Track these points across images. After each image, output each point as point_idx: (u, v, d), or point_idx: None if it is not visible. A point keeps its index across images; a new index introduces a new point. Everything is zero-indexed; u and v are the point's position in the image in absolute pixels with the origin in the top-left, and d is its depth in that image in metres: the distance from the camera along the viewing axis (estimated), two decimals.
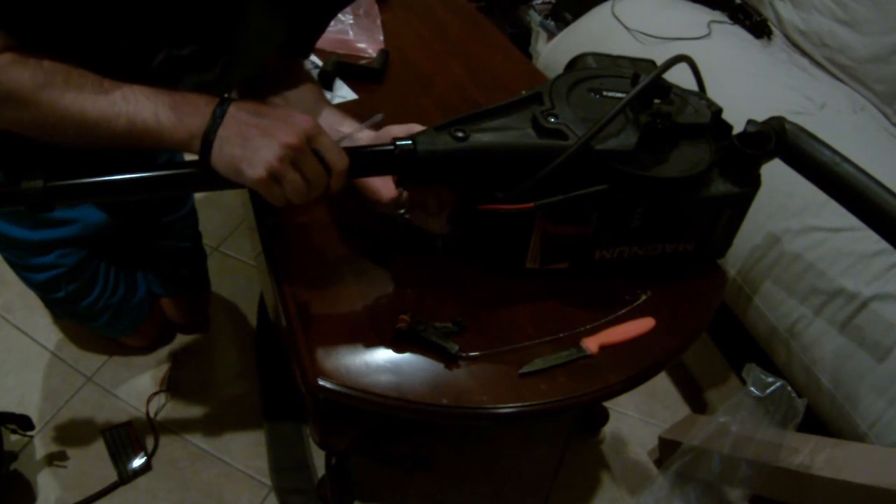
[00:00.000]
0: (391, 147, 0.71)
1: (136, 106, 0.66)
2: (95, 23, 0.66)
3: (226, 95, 0.70)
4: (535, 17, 2.18)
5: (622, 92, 0.78)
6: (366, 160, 0.71)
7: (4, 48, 0.63)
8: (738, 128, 0.83)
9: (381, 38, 1.29)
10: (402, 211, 0.81)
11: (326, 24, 0.95)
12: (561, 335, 0.78)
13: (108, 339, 1.36)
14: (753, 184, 0.82)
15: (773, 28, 1.72)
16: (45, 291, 1.17)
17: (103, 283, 1.19)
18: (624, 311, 0.81)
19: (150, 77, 0.70)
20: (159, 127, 0.66)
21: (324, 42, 1.23)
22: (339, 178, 0.69)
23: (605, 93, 0.79)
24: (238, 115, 0.66)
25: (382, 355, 0.74)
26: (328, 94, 1.15)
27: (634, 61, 0.87)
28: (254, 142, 0.65)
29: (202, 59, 0.78)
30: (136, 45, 0.71)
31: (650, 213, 0.77)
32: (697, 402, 1.41)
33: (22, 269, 1.14)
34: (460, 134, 0.71)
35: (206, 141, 0.65)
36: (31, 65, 0.64)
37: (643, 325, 0.80)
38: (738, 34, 1.68)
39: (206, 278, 1.41)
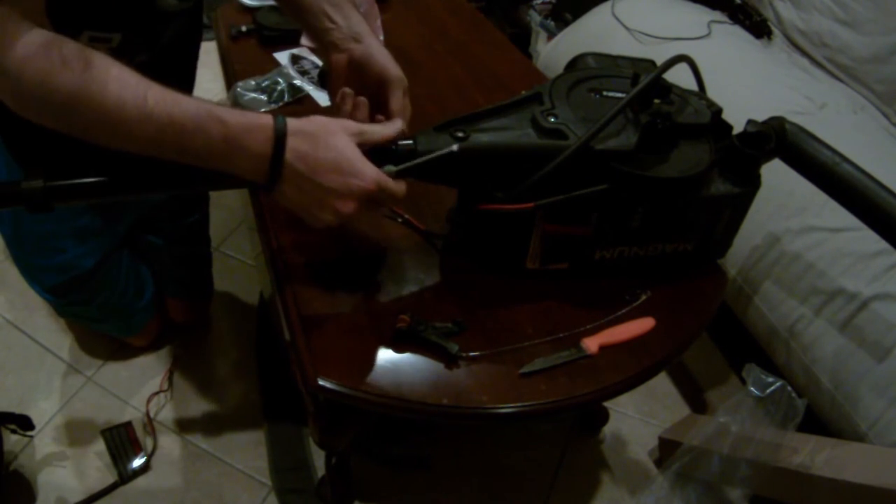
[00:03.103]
0: (392, 147, 0.71)
1: (183, 138, 0.62)
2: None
3: (278, 116, 0.66)
4: (535, 17, 2.18)
5: (622, 92, 0.78)
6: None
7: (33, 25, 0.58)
8: (738, 128, 0.83)
9: (382, 37, 1.29)
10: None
11: None
12: (561, 335, 0.78)
13: (109, 339, 1.36)
14: (753, 184, 0.82)
15: (773, 28, 1.72)
16: (55, 294, 1.17)
17: (112, 286, 1.20)
18: (624, 311, 0.81)
19: None
20: (208, 165, 0.65)
21: None
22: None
23: (605, 93, 0.79)
24: (297, 171, 0.65)
25: (382, 355, 0.74)
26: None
27: (634, 61, 0.87)
28: (312, 208, 0.67)
29: (126, 49, 0.77)
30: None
31: (650, 213, 0.77)
32: (697, 402, 1.41)
33: (34, 270, 1.14)
34: (460, 134, 0.71)
35: (267, 186, 0.66)
36: (57, 54, 0.59)
37: (643, 325, 0.80)
38: (738, 34, 1.68)
39: (210, 280, 1.43)
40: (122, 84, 0.60)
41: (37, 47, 0.58)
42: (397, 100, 0.77)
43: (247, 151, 0.63)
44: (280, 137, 0.64)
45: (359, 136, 0.68)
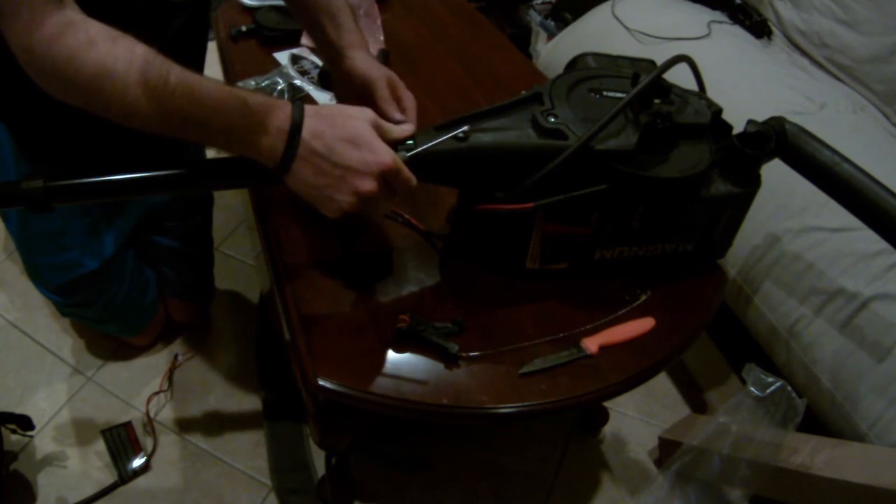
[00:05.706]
0: (395, 148, 0.71)
1: (202, 116, 0.64)
2: None
3: (296, 101, 0.68)
4: (535, 17, 2.18)
5: (622, 92, 0.78)
6: None
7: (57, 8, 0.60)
8: (738, 128, 0.83)
9: (382, 38, 1.29)
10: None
11: None
12: (561, 335, 0.78)
13: (109, 339, 1.36)
14: (753, 184, 0.82)
15: (773, 28, 1.72)
16: (60, 294, 1.17)
17: (117, 286, 1.20)
18: (624, 311, 0.81)
19: None
20: (228, 146, 0.66)
21: None
22: (403, 195, 0.70)
23: (605, 93, 0.79)
24: (313, 149, 0.65)
25: (382, 355, 0.74)
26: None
27: (634, 61, 0.87)
28: (329, 190, 0.66)
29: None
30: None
31: (650, 213, 0.77)
32: (697, 402, 1.41)
33: (40, 269, 1.14)
34: (460, 134, 0.71)
35: (282, 167, 0.67)
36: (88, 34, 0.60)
37: (643, 325, 0.80)
38: (738, 34, 1.68)
39: (212, 281, 1.43)
40: (146, 63, 0.62)
41: (63, 27, 0.60)
42: (382, 93, 0.80)
43: (264, 128, 0.65)
44: (298, 115, 0.66)
45: (376, 128, 0.69)
